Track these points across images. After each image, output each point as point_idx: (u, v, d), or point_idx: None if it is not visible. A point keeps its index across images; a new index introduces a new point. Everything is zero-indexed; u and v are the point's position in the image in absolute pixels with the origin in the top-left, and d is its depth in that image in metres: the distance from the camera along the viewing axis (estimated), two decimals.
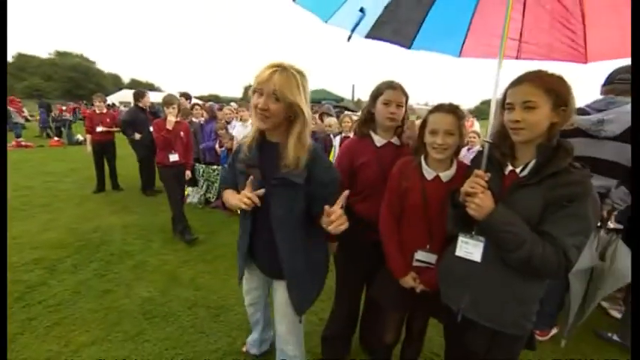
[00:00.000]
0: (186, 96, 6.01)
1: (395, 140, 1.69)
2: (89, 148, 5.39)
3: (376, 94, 1.65)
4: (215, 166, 4.86)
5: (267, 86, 1.12)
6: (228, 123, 5.00)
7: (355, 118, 4.64)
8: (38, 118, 13.64)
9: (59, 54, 56.96)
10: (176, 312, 2.46)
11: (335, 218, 1.12)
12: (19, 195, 5.12)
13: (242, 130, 4.34)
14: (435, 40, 1.98)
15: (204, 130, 5.00)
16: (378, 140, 1.67)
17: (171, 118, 3.45)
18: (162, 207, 4.68)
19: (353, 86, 19.93)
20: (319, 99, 12.53)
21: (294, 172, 1.22)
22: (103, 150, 5.43)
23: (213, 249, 3.48)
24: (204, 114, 5.11)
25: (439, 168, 1.45)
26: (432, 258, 1.49)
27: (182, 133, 3.62)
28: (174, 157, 3.52)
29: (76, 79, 48.38)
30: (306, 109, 1.20)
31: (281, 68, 1.14)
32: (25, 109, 15.17)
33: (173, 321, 2.36)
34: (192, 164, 3.88)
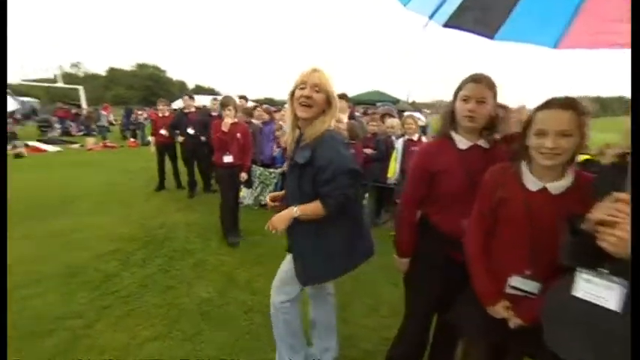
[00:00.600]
0: (245, 98, 6.21)
1: (482, 143, 1.44)
2: (153, 148, 5.74)
3: (457, 90, 1.42)
4: (272, 169, 4.91)
5: (311, 80, 1.37)
6: None
7: (419, 119, 4.34)
8: (121, 122, 15.47)
9: (139, 66, 64.11)
10: (233, 316, 2.45)
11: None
12: (104, 191, 5.76)
13: None
14: (526, 30, 1.68)
15: (264, 132, 5.08)
16: (461, 142, 1.43)
17: (227, 120, 3.49)
18: None
19: (409, 88, 19.22)
20: (374, 100, 12.19)
21: (301, 153, 1.41)
22: (165, 151, 5.71)
23: (268, 252, 3.46)
24: (265, 116, 5.20)
25: (547, 177, 1.16)
26: (532, 286, 1.21)
27: (239, 135, 3.61)
28: (228, 159, 3.56)
29: (151, 87, 53.99)
30: (336, 101, 1.44)
31: (319, 69, 1.42)
32: (111, 115, 17.39)
33: (230, 325, 2.34)
34: (250, 166, 3.85)
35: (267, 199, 1.80)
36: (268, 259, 3.30)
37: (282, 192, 1.72)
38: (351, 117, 4.69)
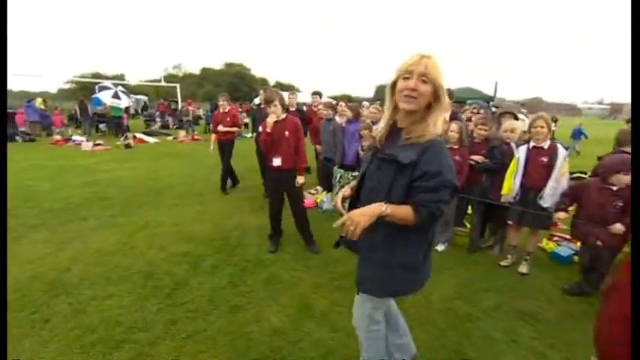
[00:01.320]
0: (319, 94, 5.76)
1: None
2: (212, 146, 5.43)
3: None
4: (355, 173, 4.35)
5: (417, 68, 1.16)
6: (374, 123, 4.40)
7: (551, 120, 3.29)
8: (205, 115, 16.86)
9: (227, 65, 70.12)
10: (308, 358, 1.96)
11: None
12: (183, 182, 5.98)
13: None
14: None
15: (347, 131, 4.55)
16: None
17: (271, 119, 3.00)
18: None
19: (496, 83, 16.69)
20: (465, 98, 10.70)
21: (404, 151, 1.21)
22: (221, 148, 5.36)
23: (351, 273, 2.91)
24: (349, 113, 4.65)
25: None
26: None
27: (287, 133, 3.08)
28: (277, 161, 3.12)
29: (235, 84, 58.54)
30: (446, 96, 1.22)
31: (428, 55, 1.18)
32: (200, 110, 19.04)
33: None
34: (305, 168, 3.29)
35: (336, 198, 1.51)
36: (350, 281, 2.75)
37: (342, 192, 1.52)
38: (453, 117, 3.84)
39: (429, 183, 1.18)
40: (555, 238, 3.58)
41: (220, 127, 5.21)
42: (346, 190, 1.52)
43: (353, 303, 1.57)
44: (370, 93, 63.10)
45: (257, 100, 8.18)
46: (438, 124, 1.22)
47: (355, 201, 1.42)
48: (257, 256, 3.22)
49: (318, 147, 5.19)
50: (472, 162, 3.26)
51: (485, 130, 3.24)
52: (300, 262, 3.13)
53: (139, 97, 23.89)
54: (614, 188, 2.44)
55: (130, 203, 4.79)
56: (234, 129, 5.40)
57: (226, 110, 5.28)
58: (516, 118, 3.49)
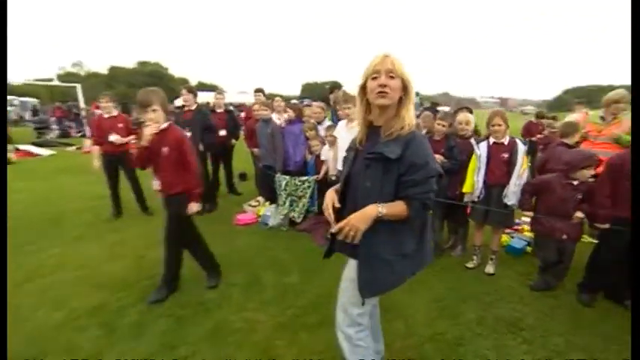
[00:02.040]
0: (263, 92, 5.16)
1: None
2: (96, 163, 4.13)
3: None
4: (304, 178, 3.89)
5: (384, 66, 1.21)
6: (318, 123, 3.99)
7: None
8: None
9: (140, 63, 63.41)
10: None
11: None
12: (91, 206, 4.77)
13: (344, 134, 3.24)
14: None
15: (290, 132, 4.06)
16: None
17: (148, 130, 2.22)
18: (242, 234, 3.87)
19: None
20: None
21: (388, 147, 1.23)
22: (115, 164, 4.22)
23: (316, 304, 2.45)
24: (290, 112, 4.16)
25: None
26: None
27: (166, 150, 2.31)
28: (156, 185, 2.46)
29: (152, 85, 53.07)
30: (412, 87, 1.26)
31: (389, 54, 1.24)
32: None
33: None
34: (199, 193, 2.45)
35: (326, 208, 1.38)
36: (316, 316, 2.30)
37: (330, 198, 1.41)
38: None
39: (417, 176, 1.21)
40: (507, 231, 3.64)
41: (114, 138, 4.03)
42: (330, 197, 1.41)
43: (324, 345, 1.53)
44: (297, 91, 63.36)
45: (178, 102, 7.12)
46: (411, 114, 1.27)
47: (342, 205, 1.39)
48: (196, 298, 2.54)
49: (256, 151, 4.60)
50: None
51: (444, 126, 3.08)
52: (252, 298, 2.56)
53: (25, 99, 19.77)
54: (576, 183, 2.46)
55: (11, 242, 3.56)
56: (131, 138, 4.18)
57: (113, 115, 4.15)
58: (471, 112, 3.42)
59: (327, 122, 4.13)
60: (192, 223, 2.60)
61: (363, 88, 1.29)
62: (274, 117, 4.27)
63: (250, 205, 4.52)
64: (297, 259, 3.18)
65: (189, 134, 4.19)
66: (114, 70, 56.56)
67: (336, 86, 4.72)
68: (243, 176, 6.42)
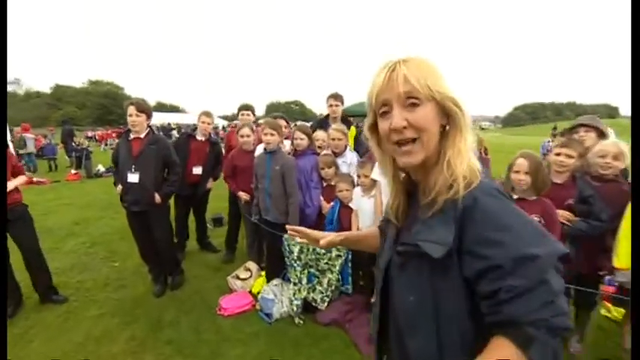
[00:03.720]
0: (252, 111, 3.71)
1: None
2: None
3: None
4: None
5: (394, 90, 0.64)
6: (336, 155, 2.71)
7: None
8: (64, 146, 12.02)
9: (92, 83, 59.13)
10: None
11: None
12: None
13: None
14: None
15: (300, 170, 2.71)
16: None
17: None
18: (231, 339, 2.39)
19: None
20: (361, 112, 9.76)
21: (430, 230, 0.65)
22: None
23: None
24: (300, 137, 2.83)
25: None
26: None
27: None
28: None
29: (106, 106, 49.45)
30: (463, 104, 0.66)
31: (400, 61, 0.66)
32: (51, 137, 14.05)
33: None
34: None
35: None
36: None
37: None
38: None
39: (515, 281, 0.55)
40: None
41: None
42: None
43: None
44: (261, 111, 62.27)
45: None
46: (467, 156, 0.65)
47: (381, 324, 0.80)
48: None
49: (243, 196, 3.15)
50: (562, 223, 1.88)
51: (572, 158, 1.91)
52: None
53: None
54: None
55: None
56: (20, 182, 2.61)
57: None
58: (602, 135, 2.27)
59: (350, 153, 2.85)
60: None
61: (375, 131, 0.73)
62: (285, 146, 2.90)
63: (239, 278, 3.02)
64: None
65: (136, 176, 2.69)
66: (59, 90, 51.88)
67: (333, 95, 3.26)
68: (218, 221, 4.86)
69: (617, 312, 2.49)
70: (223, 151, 3.84)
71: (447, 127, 0.67)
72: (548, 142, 7.88)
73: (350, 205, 2.59)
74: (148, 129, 2.83)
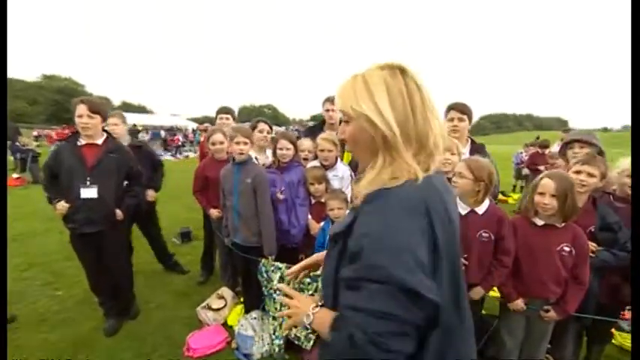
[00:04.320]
0: (231, 114, 3.25)
1: None
2: None
3: None
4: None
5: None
6: (326, 168, 2.40)
7: None
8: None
9: (46, 77, 54.96)
10: None
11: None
12: None
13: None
14: None
15: (279, 182, 2.36)
16: None
17: None
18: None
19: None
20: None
21: (344, 218, 0.82)
22: None
23: None
24: (286, 147, 2.46)
25: None
26: None
27: None
28: None
29: (61, 102, 45.97)
30: (382, 118, 0.71)
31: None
32: None
33: None
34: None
35: None
36: None
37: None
38: (478, 151, 2.28)
39: (350, 271, 0.69)
40: None
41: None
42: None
43: None
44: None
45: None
46: (385, 169, 0.73)
47: None
48: None
49: (214, 212, 2.72)
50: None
51: (594, 177, 1.73)
52: None
53: None
54: None
55: None
56: None
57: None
58: (600, 154, 2.06)
59: (342, 166, 2.54)
60: None
61: None
62: (255, 157, 2.51)
63: (211, 309, 2.58)
64: None
65: (93, 190, 2.23)
66: (9, 84, 47.54)
67: (330, 99, 2.88)
68: (185, 236, 4.36)
69: (622, 337, 2.37)
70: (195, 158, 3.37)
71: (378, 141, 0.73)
72: (521, 153, 8.07)
73: None
74: (105, 134, 2.37)
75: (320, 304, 0.81)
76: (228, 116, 3.17)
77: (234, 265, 2.84)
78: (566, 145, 2.26)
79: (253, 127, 2.67)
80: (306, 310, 0.78)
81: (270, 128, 2.80)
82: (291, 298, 0.86)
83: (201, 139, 4.15)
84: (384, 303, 0.62)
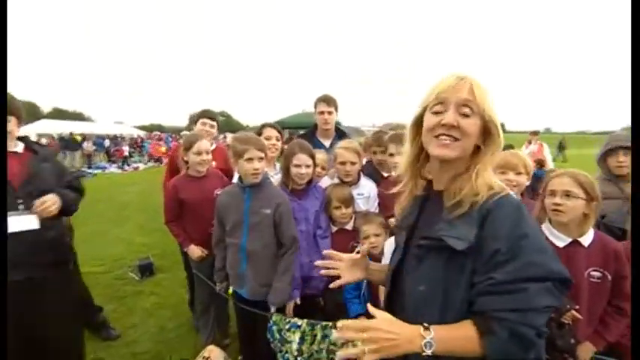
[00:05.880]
0: (215, 121, 2.54)
1: None
2: None
3: None
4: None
5: (455, 95, 0.77)
6: (349, 185, 1.87)
7: None
8: None
9: None
10: None
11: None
12: None
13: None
14: None
15: (301, 213, 1.77)
16: None
17: None
18: None
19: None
20: (299, 124, 8.69)
21: (455, 228, 0.74)
22: None
23: None
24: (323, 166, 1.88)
25: None
26: None
27: None
28: None
29: None
30: (498, 131, 0.78)
31: (467, 76, 0.79)
32: None
33: None
34: None
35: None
36: None
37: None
38: None
39: (499, 274, 0.67)
40: None
41: None
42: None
43: None
44: (183, 122, 57.66)
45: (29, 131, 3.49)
46: (490, 167, 0.79)
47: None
48: None
49: (196, 251, 2.09)
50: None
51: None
52: None
53: None
54: None
55: None
56: None
57: None
58: None
59: (368, 182, 2.02)
60: None
61: (419, 123, 0.84)
62: (271, 175, 1.88)
63: None
64: None
65: (27, 219, 1.48)
66: None
67: (324, 99, 2.43)
68: (146, 268, 3.48)
69: None
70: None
71: (482, 147, 0.78)
72: None
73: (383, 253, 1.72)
74: (23, 145, 1.62)
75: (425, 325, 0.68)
76: (213, 123, 2.47)
77: (219, 308, 2.16)
78: (606, 154, 1.95)
79: (258, 134, 2.03)
80: (412, 337, 0.66)
81: (280, 134, 2.19)
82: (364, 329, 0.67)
83: (159, 148, 3.35)
84: (545, 298, 0.66)
